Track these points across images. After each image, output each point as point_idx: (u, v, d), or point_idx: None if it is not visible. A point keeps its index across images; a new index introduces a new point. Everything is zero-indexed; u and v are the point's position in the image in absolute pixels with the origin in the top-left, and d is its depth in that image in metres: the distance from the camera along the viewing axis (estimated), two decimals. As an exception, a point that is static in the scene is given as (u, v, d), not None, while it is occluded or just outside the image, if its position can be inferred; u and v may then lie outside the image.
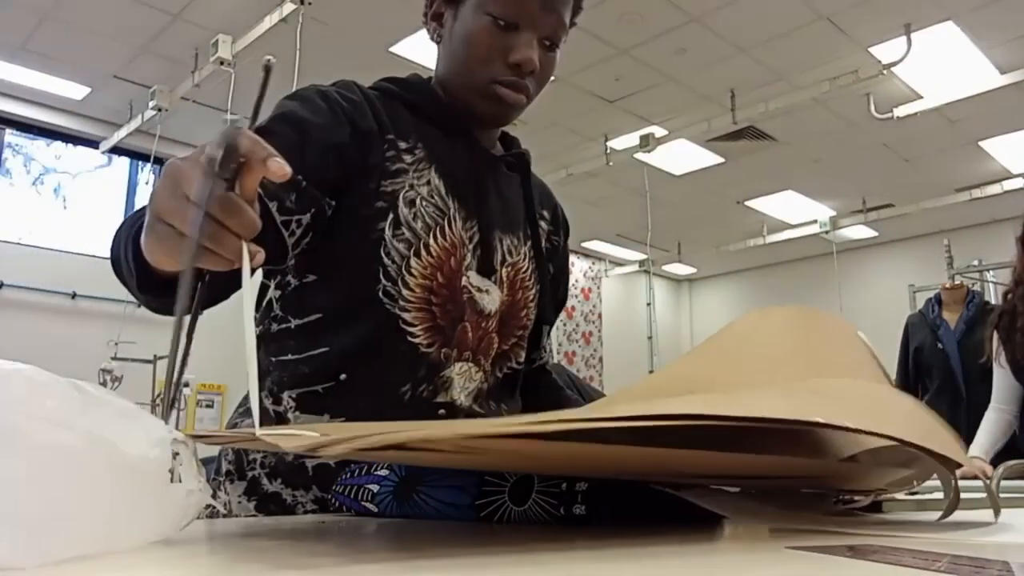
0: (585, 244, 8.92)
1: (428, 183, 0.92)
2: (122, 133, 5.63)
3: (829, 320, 0.84)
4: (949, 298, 3.26)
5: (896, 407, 0.65)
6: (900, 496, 0.74)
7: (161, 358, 4.72)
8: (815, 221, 7.60)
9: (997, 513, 0.63)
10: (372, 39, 4.48)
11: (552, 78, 0.97)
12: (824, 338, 0.80)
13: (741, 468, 0.59)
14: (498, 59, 0.91)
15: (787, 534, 0.52)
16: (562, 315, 7.00)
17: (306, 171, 0.82)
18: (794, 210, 7.60)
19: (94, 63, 5.07)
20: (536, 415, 0.41)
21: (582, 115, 5.68)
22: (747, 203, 7.46)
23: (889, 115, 5.27)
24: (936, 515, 0.65)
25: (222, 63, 4.27)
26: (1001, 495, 0.87)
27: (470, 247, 0.93)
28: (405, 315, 0.88)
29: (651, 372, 7.72)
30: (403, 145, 0.92)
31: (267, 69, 0.56)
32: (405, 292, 0.88)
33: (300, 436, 0.40)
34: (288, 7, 3.89)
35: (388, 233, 0.88)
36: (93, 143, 5.94)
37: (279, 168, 0.50)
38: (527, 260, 1.01)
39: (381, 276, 0.87)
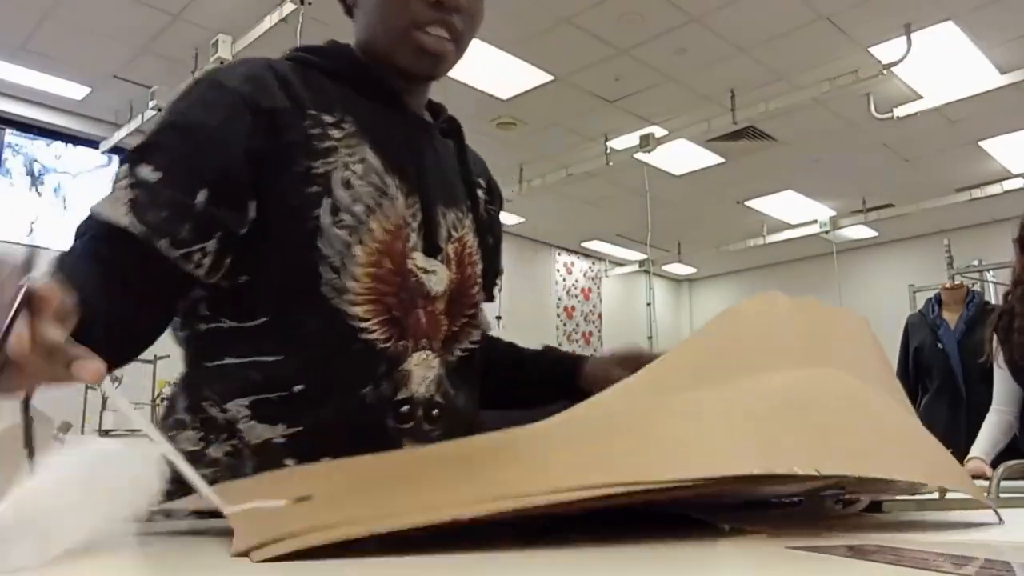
0: (585, 244, 8.91)
1: (362, 160, 0.83)
2: (122, 133, 5.62)
3: (836, 312, 0.83)
4: (949, 298, 3.26)
5: (888, 429, 0.63)
6: (900, 496, 0.74)
7: (161, 358, 4.71)
8: (815, 221, 7.59)
9: (997, 513, 0.62)
10: (372, 39, 4.48)
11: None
12: (830, 329, 0.79)
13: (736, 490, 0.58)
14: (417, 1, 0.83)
15: (787, 534, 0.52)
16: (562, 315, 6.97)
17: (204, 184, 0.74)
18: (794, 210, 7.60)
19: (94, 63, 5.07)
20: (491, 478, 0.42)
21: (582, 115, 5.67)
22: (747, 203, 7.46)
23: (889, 115, 5.26)
24: (936, 515, 0.64)
25: (222, 63, 4.26)
26: (1001, 495, 0.87)
27: (414, 225, 0.86)
28: (355, 309, 0.80)
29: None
30: (328, 119, 0.83)
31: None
32: (351, 284, 0.80)
33: (276, 529, 0.41)
34: (288, 7, 3.89)
35: (326, 220, 0.79)
36: (93, 143, 5.94)
37: (85, 374, 0.45)
38: (471, 234, 0.94)
39: (322, 269, 0.79)
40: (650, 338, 7.91)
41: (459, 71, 4.78)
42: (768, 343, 0.76)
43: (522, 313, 7.86)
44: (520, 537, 0.46)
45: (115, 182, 0.75)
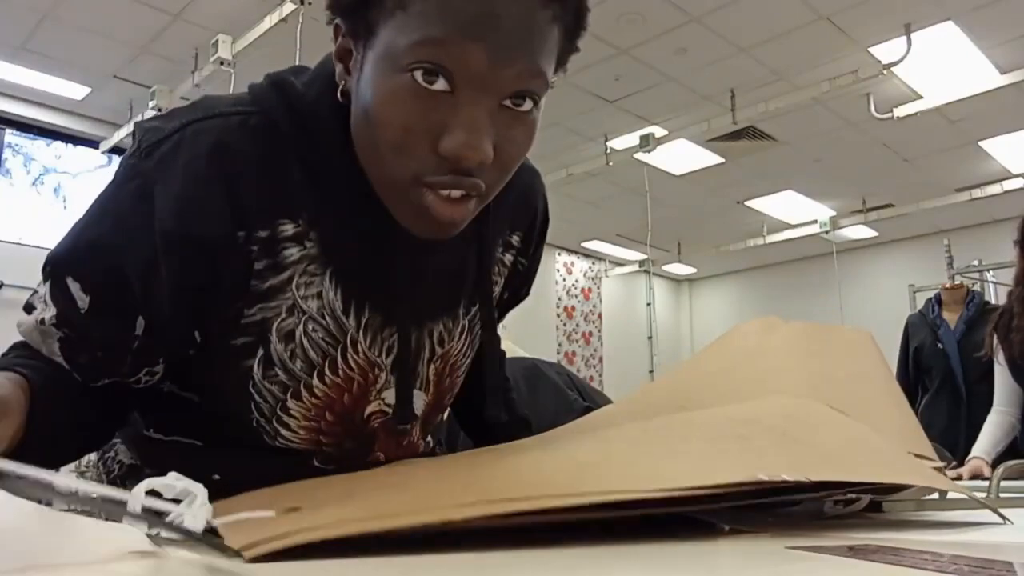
0: (585, 244, 8.91)
1: (319, 296, 0.67)
2: (122, 133, 5.62)
3: (834, 331, 0.84)
4: (949, 298, 3.26)
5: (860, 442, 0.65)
6: (900, 496, 0.74)
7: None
8: (815, 221, 7.59)
9: (998, 512, 0.62)
10: (372, 39, 4.48)
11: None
12: (827, 350, 0.80)
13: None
14: (424, 144, 0.58)
15: (787, 534, 0.52)
16: (562, 315, 6.96)
17: (138, 314, 0.64)
18: (794, 210, 7.60)
19: (94, 63, 5.07)
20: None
21: (582, 115, 5.67)
22: (747, 203, 7.46)
23: (889, 115, 5.27)
24: (936, 515, 0.64)
25: (222, 63, 4.26)
26: (1001, 495, 0.87)
27: (386, 364, 0.72)
28: (292, 446, 0.72)
29: (651, 372, 7.73)
30: (287, 230, 0.65)
31: None
32: (285, 432, 0.71)
33: (272, 526, 0.41)
34: (288, 7, 3.89)
35: (257, 372, 0.68)
36: (93, 143, 5.94)
37: None
38: (463, 336, 0.78)
39: (254, 410, 0.70)
40: (650, 338, 7.91)
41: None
42: (761, 370, 0.78)
43: (522, 313, 7.85)
44: (520, 537, 0.46)
45: (41, 292, 0.66)
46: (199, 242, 0.62)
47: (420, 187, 0.59)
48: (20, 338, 0.68)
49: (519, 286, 0.89)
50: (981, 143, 6.09)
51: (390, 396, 0.73)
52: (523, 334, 6.77)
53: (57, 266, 0.65)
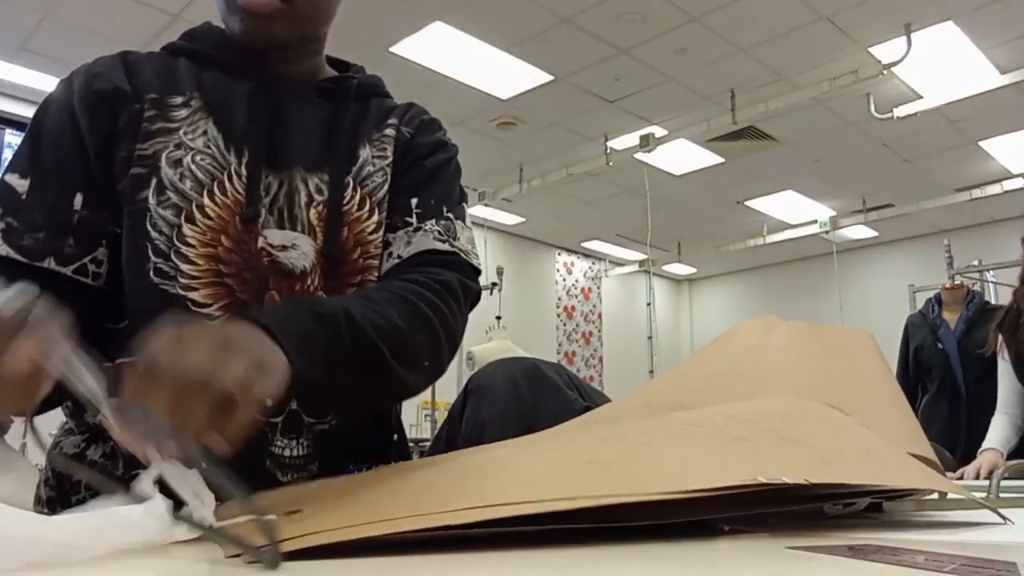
0: (585, 244, 8.91)
1: (204, 133, 0.79)
2: (122, 133, 5.62)
3: (835, 332, 0.84)
4: (949, 298, 3.26)
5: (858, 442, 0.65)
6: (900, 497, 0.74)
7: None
8: (815, 221, 7.59)
9: (998, 512, 0.62)
10: (372, 39, 4.47)
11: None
12: (827, 350, 0.80)
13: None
14: None
15: (787, 534, 0.52)
16: (562, 315, 6.94)
17: (76, 187, 0.75)
18: (794, 210, 7.60)
19: (94, 63, 5.07)
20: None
21: (582, 115, 5.67)
22: (747, 203, 7.46)
23: (889, 115, 5.26)
24: (936, 515, 0.64)
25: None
26: (1001, 495, 0.87)
27: (266, 200, 0.79)
28: (192, 295, 0.75)
29: (651, 372, 7.72)
30: (175, 100, 0.80)
31: None
32: (184, 267, 0.75)
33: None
34: (288, 7, 3.89)
35: (152, 201, 0.75)
36: (93, 143, 5.95)
37: None
38: (353, 191, 0.84)
39: (151, 253, 0.75)
40: (650, 338, 7.91)
41: (459, 71, 4.77)
42: (761, 369, 0.78)
43: (522, 313, 7.86)
44: (519, 537, 0.46)
45: None
46: (100, 94, 0.78)
47: None
48: None
49: (426, 175, 0.90)
50: (981, 143, 6.09)
51: (274, 235, 0.79)
52: (523, 334, 6.76)
53: (2, 171, 0.77)
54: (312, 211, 0.81)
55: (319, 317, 0.66)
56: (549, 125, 5.81)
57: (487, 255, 6.80)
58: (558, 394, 1.61)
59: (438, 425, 2.44)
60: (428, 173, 0.90)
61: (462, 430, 1.56)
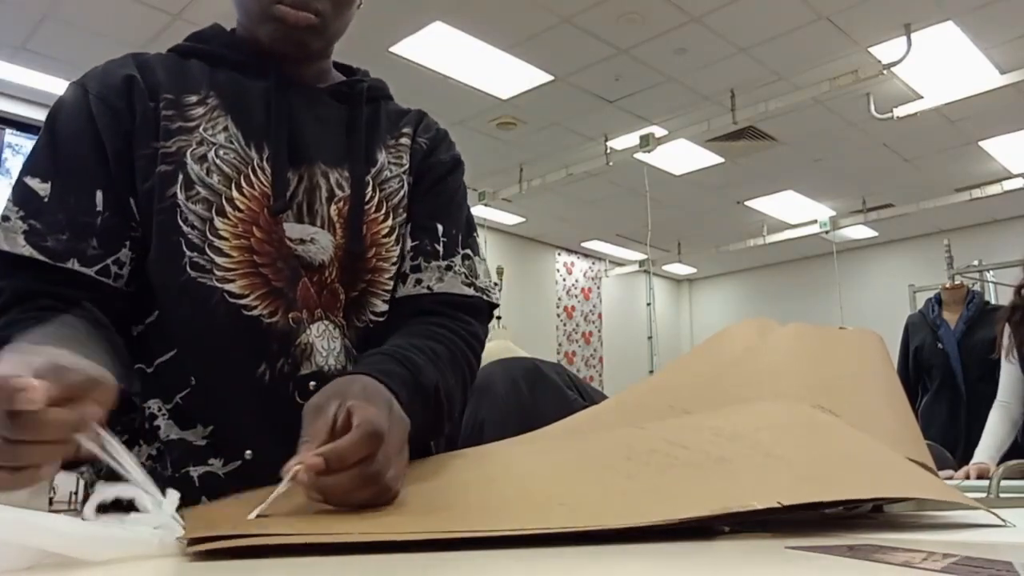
0: (585, 244, 8.91)
1: (225, 129, 0.81)
2: (122, 133, 5.62)
3: (835, 334, 0.84)
4: (949, 298, 3.26)
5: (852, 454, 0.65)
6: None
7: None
8: (815, 221, 7.59)
9: (996, 515, 0.62)
10: (372, 39, 4.47)
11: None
12: (824, 353, 0.80)
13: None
14: None
15: (787, 534, 0.52)
16: (562, 315, 6.95)
17: (96, 187, 0.77)
18: (794, 210, 7.60)
19: (94, 63, 5.04)
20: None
21: (582, 115, 5.67)
22: (747, 203, 7.46)
23: (889, 115, 5.26)
24: (936, 515, 0.64)
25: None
26: (1001, 495, 0.87)
27: (286, 195, 0.82)
28: (229, 286, 0.77)
29: (651, 372, 7.72)
30: (190, 99, 0.82)
31: None
32: (220, 260, 0.77)
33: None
34: (288, 7, 3.89)
35: (181, 197, 0.77)
36: (93, 143, 5.94)
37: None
38: (373, 191, 0.87)
39: (185, 248, 0.77)
40: (650, 338, 7.91)
41: (459, 71, 4.77)
42: (757, 372, 0.78)
43: (522, 313, 7.86)
44: (520, 536, 0.46)
45: (8, 204, 0.76)
46: (117, 94, 0.81)
47: (274, 5, 0.81)
48: None
49: (443, 197, 0.94)
50: (981, 143, 6.09)
51: (293, 229, 0.81)
52: (523, 334, 6.76)
53: (19, 175, 0.77)
54: (332, 207, 0.84)
55: (421, 390, 0.73)
56: (549, 125, 5.81)
57: (487, 255, 6.79)
58: (558, 394, 1.61)
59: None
60: (449, 196, 0.95)
61: (462, 430, 1.56)
